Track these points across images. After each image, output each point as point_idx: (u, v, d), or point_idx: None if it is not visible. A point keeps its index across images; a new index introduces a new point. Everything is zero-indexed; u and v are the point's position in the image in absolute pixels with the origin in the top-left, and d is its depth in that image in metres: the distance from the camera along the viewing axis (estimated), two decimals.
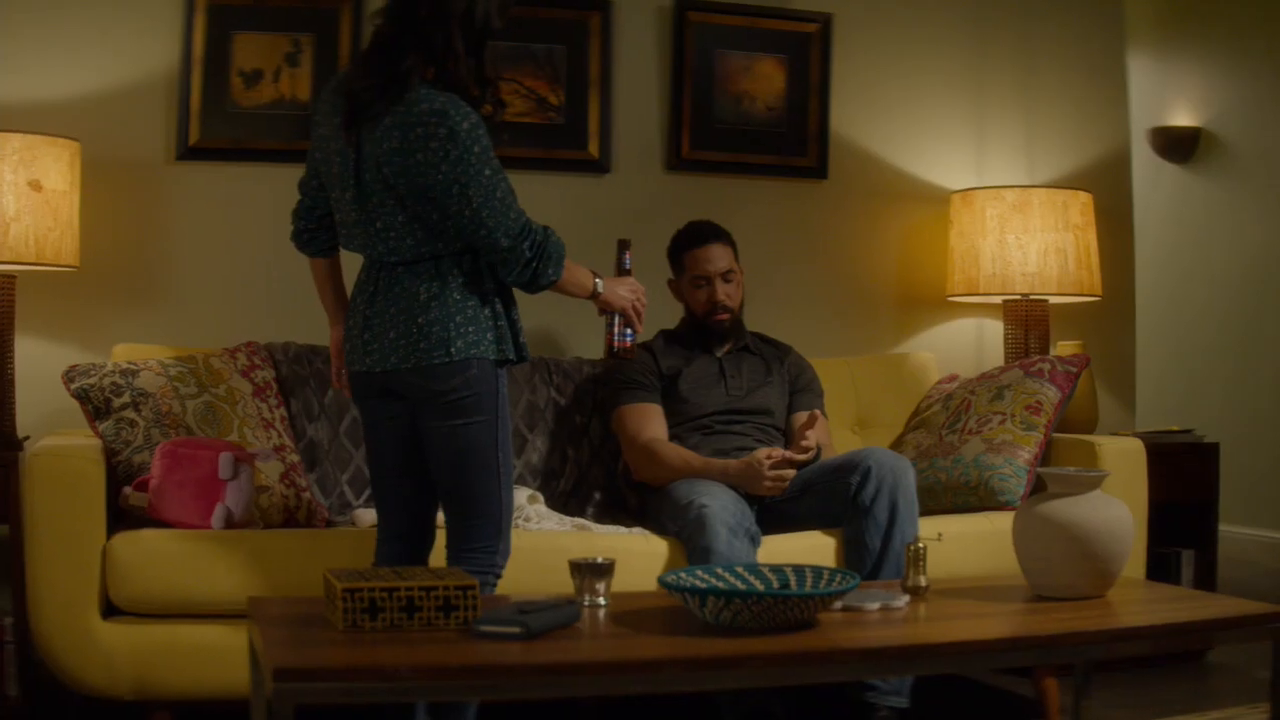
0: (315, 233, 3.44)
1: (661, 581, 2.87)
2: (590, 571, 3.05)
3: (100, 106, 4.42)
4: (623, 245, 3.67)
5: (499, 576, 3.32)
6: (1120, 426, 5.23)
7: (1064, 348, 4.88)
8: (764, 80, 5.01)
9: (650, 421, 4.17)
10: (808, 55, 5.04)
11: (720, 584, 2.97)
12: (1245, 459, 6.45)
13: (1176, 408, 6.84)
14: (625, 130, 4.91)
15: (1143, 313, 6.85)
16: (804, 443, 3.96)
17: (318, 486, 4.15)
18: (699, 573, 3.00)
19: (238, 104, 4.53)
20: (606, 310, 3.46)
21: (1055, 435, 4.38)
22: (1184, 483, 4.85)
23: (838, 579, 2.96)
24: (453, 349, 3.17)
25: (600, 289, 3.39)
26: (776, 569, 3.05)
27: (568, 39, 4.81)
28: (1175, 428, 5.11)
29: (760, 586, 2.99)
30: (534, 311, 4.53)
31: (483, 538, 3.29)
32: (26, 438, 4.09)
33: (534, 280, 3.23)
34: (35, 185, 3.98)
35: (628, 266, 3.65)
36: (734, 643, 2.68)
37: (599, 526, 3.99)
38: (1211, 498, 4.92)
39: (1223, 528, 5.39)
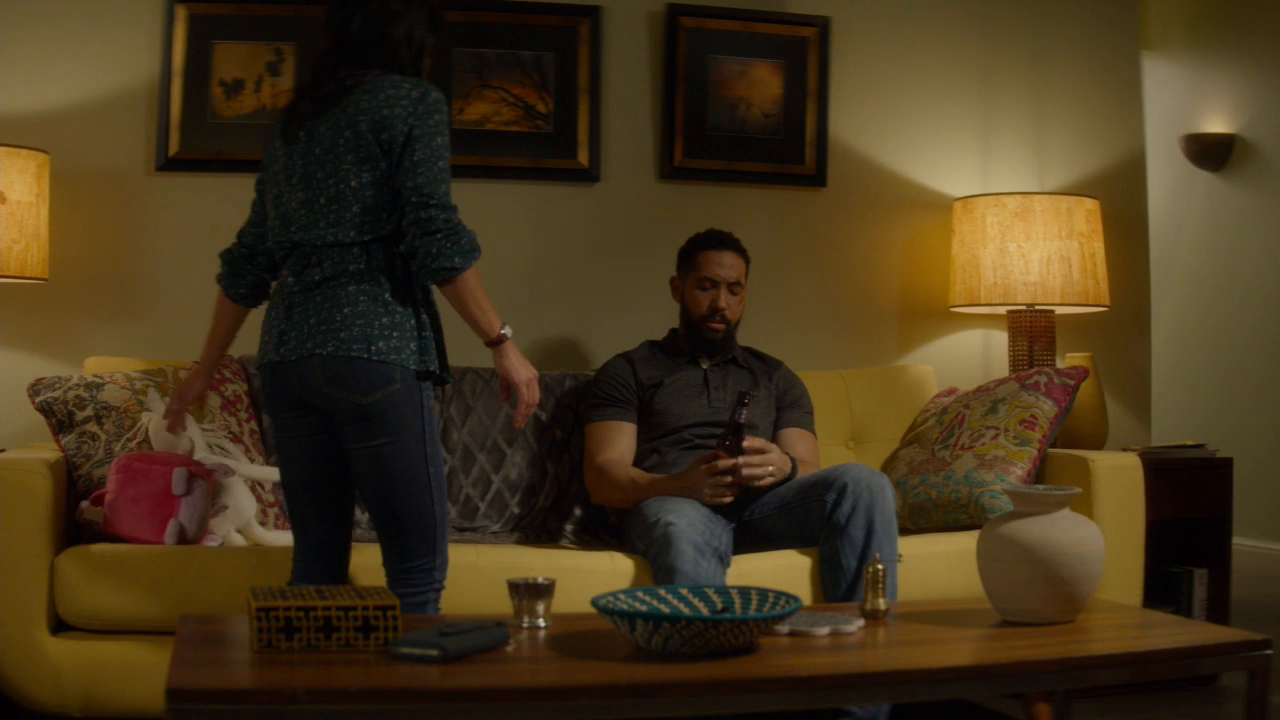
0: (244, 277, 3.47)
1: (594, 603, 2.77)
2: (528, 592, 2.94)
3: (77, 118, 4.38)
4: (741, 398, 3.77)
5: (440, 590, 3.27)
6: (1133, 441, 5.06)
7: (1073, 359, 4.73)
8: (760, 86, 4.89)
9: (610, 442, 4.08)
10: (805, 59, 4.92)
11: (664, 607, 2.87)
12: (1274, 472, 6.28)
13: (1208, 420, 6.66)
14: (616, 138, 4.81)
15: (1174, 324, 6.70)
16: (750, 458, 3.84)
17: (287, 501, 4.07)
18: (639, 594, 2.90)
19: (218, 114, 4.48)
20: (502, 376, 3.30)
21: (1050, 450, 4.23)
22: (1196, 499, 4.67)
23: (781, 602, 2.84)
24: (373, 347, 3.12)
25: (508, 336, 3.25)
26: (723, 590, 2.94)
27: (556, 46, 4.72)
28: (1189, 442, 4.94)
29: (705, 610, 2.88)
30: (533, 324, 4.50)
31: (418, 555, 3.24)
32: (1, 450, 4.05)
33: (435, 257, 3.12)
34: (0, 197, 3.94)
35: (740, 418, 3.75)
36: (658, 669, 2.57)
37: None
38: (1224, 514, 4.74)
39: (1247, 543, 5.22)
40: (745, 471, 3.80)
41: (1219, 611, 4.65)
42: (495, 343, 3.25)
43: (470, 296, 3.18)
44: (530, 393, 3.30)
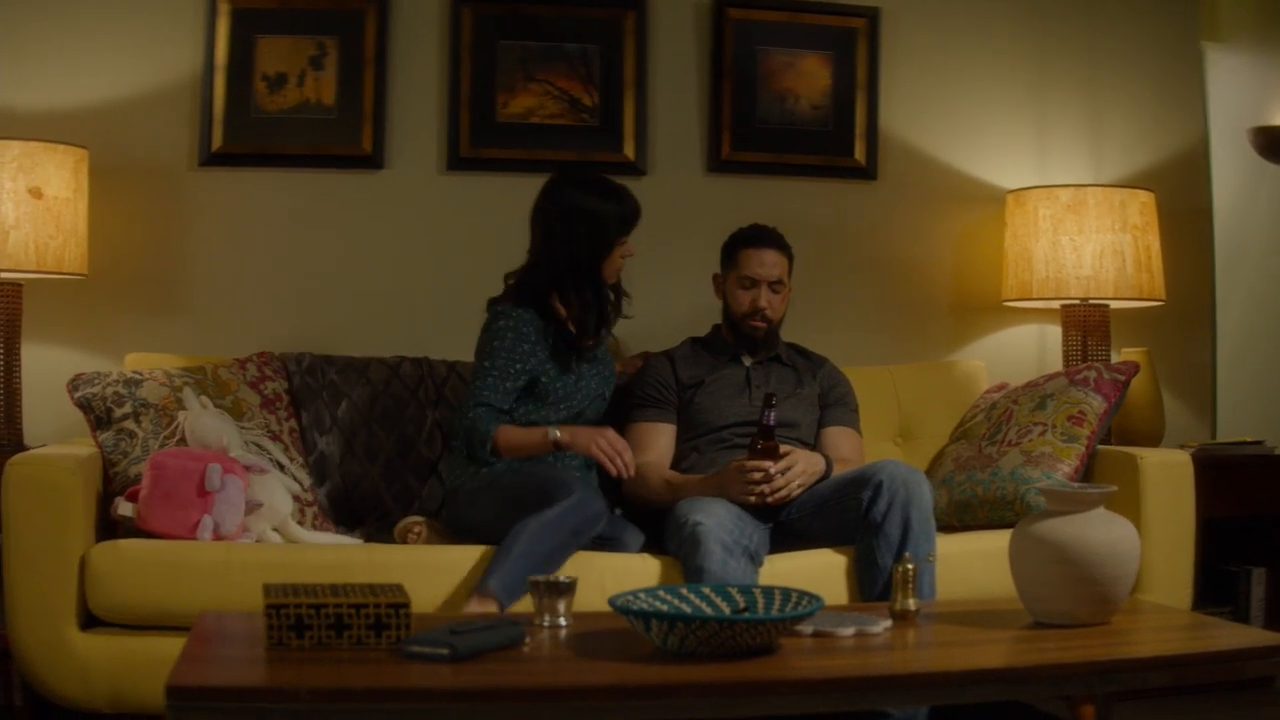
0: None
1: (611, 602, 2.73)
2: (548, 590, 2.92)
3: (119, 113, 4.40)
4: (769, 399, 3.74)
5: None
6: (1193, 437, 4.95)
7: (1128, 354, 4.63)
8: (808, 77, 4.83)
9: (648, 444, 4.03)
10: (854, 51, 4.85)
11: (685, 606, 2.82)
12: None
13: (1276, 417, 6.49)
14: (663, 131, 4.77)
15: (1242, 319, 6.52)
16: (775, 477, 3.77)
17: (327, 500, 4.06)
18: (660, 593, 2.86)
19: (262, 109, 4.48)
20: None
21: (1099, 447, 4.14)
22: (1254, 497, 4.57)
23: (803, 602, 2.79)
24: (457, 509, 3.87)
25: (559, 438, 3.78)
26: (746, 590, 2.90)
27: (602, 38, 4.68)
28: (1249, 438, 4.82)
29: (726, 609, 2.83)
30: None
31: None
32: (44, 446, 4.07)
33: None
34: (35, 192, 3.95)
35: (768, 420, 3.72)
36: (672, 670, 2.53)
37: None
38: None
39: None
40: (772, 499, 3.74)
41: (1277, 611, 4.54)
42: (557, 448, 3.79)
43: (512, 454, 3.80)
44: (601, 449, 3.74)
